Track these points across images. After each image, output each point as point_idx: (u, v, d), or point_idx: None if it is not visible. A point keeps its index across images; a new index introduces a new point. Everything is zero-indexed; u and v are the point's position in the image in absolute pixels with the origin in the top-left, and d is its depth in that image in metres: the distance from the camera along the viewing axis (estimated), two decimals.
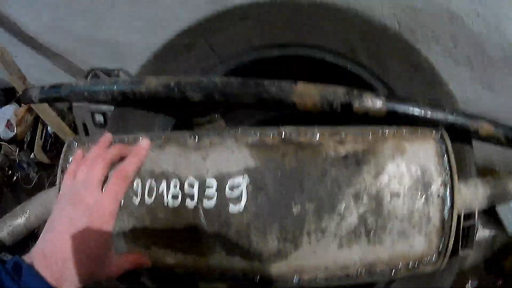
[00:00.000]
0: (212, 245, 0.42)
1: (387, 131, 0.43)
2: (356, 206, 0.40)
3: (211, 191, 0.41)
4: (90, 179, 0.39)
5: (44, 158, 1.04)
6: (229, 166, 0.41)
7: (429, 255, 0.43)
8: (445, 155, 0.43)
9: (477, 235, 0.99)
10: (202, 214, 0.41)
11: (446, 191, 0.42)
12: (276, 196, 0.40)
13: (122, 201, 0.41)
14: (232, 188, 0.41)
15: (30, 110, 1.03)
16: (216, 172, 0.41)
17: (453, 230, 0.42)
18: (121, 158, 0.42)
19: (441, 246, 0.42)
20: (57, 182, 0.48)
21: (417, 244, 0.42)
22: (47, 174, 1.22)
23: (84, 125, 0.80)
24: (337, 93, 0.45)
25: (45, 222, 0.40)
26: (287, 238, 0.40)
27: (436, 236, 0.43)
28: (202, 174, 0.42)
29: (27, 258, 0.35)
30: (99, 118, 0.79)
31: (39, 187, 1.26)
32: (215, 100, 0.46)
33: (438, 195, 0.42)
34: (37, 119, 1.07)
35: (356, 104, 0.45)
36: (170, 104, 0.51)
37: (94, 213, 0.37)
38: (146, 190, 0.43)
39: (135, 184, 0.44)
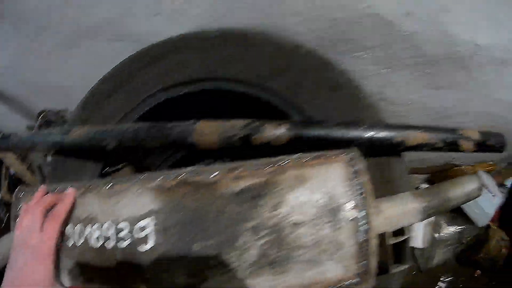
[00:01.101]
0: (129, 282, 0.51)
1: (286, 161, 0.49)
2: (256, 239, 0.47)
3: (124, 233, 0.50)
4: (32, 224, 0.52)
5: (10, 199, 1.17)
6: (137, 210, 0.49)
7: (349, 278, 0.47)
8: (357, 177, 0.49)
9: (442, 232, 1.02)
10: (118, 254, 0.50)
11: (360, 214, 0.47)
12: (180, 235, 0.48)
13: (59, 239, 0.53)
14: (140, 230, 0.49)
15: None
16: (127, 216, 0.50)
17: (373, 251, 0.46)
18: (54, 205, 0.54)
19: (362, 269, 0.48)
20: (12, 229, 0.59)
21: (331, 270, 0.47)
22: None
23: (39, 168, 0.93)
24: (235, 128, 0.52)
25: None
26: (193, 273, 0.48)
27: (353, 260, 0.47)
28: (116, 218, 0.50)
29: None
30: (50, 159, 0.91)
31: (8, 227, 1.38)
32: (126, 146, 0.55)
33: (350, 219, 0.47)
34: (0, 161, 1.21)
35: (255, 136, 0.52)
36: (94, 152, 0.60)
37: (36, 251, 0.51)
38: (76, 234, 0.53)
39: (69, 229, 0.54)
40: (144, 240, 0.49)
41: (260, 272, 0.47)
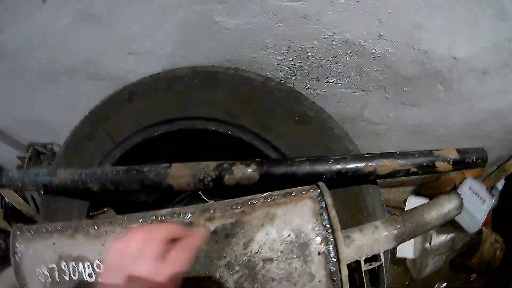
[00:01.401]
0: None
1: (256, 200, 0.54)
2: (231, 274, 0.52)
3: None
4: (144, 249, 0.40)
5: (7, 226, 1.25)
6: None
7: None
8: (324, 213, 0.53)
9: (433, 242, 1.05)
10: None
11: (329, 247, 0.52)
12: None
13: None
14: None
15: None
16: None
17: (345, 282, 0.52)
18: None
19: None
20: (12, 265, 0.65)
21: None
22: None
23: (33, 198, 0.99)
24: (207, 170, 0.56)
25: None
26: None
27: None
28: (104, 257, 0.56)
29: None
30: None
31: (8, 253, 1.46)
32: (108, 189, 0.60)
33: (319, 253, 0.52)
34: None
35: (226, 177, 0.56)
36: (79, 193, 0.65)
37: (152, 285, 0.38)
38: (71, 270, 0.59)
39: (63, 266, 0.60)
40: None
41: None
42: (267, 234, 0.52)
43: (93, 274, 0.57)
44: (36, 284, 0.64)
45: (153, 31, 0.64)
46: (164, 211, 0.55)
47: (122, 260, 0.40)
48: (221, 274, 0.52)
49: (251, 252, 0.51)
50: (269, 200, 0.53)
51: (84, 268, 0.57)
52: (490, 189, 1.12)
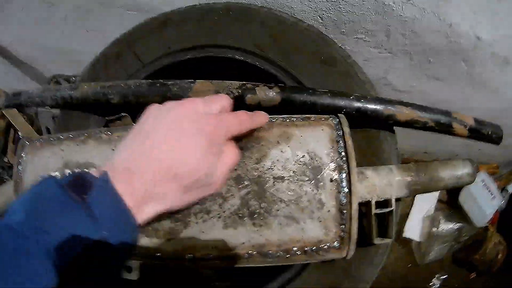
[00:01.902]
0: None
1: (275, 119, 0.55)
2: (238, 189, 0.52)
3: None
4: (205, 107, 0.41)
5: None
6: None
7: (328, 241, 0.52)
8: (341, 141, 0.54)
9: (440, 227, 1.05)
10: None
11: (341, 176, 0.52)
12: None
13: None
14: None
15: (2, 116, 1.29)
16: None
17: (354, 216, 0.51)
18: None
19: (342, 233, 0.53)
20: (13, 176, 0.66)
21: (310, 228, 0.52)
22: None
23: (48, 129, 1.02)
24: (230, 88, 0.58)
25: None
26: (177, 217, 0.54)
27: (333, 222, 0.52)
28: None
29: (95, 173, 0.35)
30: None
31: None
32: (129, 101, 0.62)
33: (331, 180, 0.53)
34: (9, 124, 1.33)
35: (248, 96, 0.58)
36: (99, 106, 0.68)
37: (214, 121, 0.39)
38: None
39: (67, 173, 0.61)
40: None
41: (241, 221, 0.52)
42: (281, 151, 0.53)
43: None
44: None
45: None
46: None
47: (184, 111, 0.39)
48: (228, 187, 0.53)
49: (263, 168, 0.52)
50: (288, 120, 0.54)
51: None
52: (501, 190, 1.11)
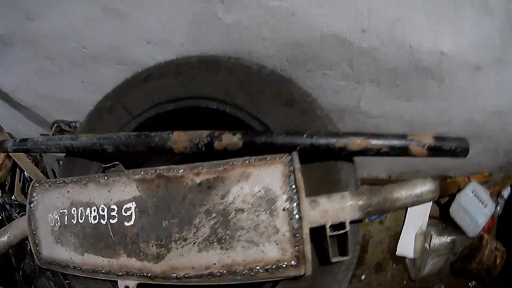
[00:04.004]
0: (118, 250, 0.90)
1: (236, 161, 0.86)
2: (208, 220, 0.84)
3: (114, 213, 0.90)
4: None
5: (24, 199, 1.70)
6: (124, 196, 0.89)
7: (286, 260, 0.82)
8: (292, 175, 0.84)
9: (433, 242, 1.31)
10: (110, 228, 0.90)
11: (292, 205, 0.82)
12: (153, 215, 0.86)
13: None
14: (126, 211, 0.89)
15: (9, 156, 1.71)
16: (116, 200, 0.90)
17: (306, 239, 0.80)
18: None
19: (297, 253, 0.82)
20: (27, 213, 1.04)
21: (268, 250, 0.82)
22: None
23: (53, 171, 1.40)
24: (201, 136, 0.90)
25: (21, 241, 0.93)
26: (161, 244, 0.86)
27: (289, 244, 0.82)
28: (108, 202, 0.91)
29: None
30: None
31: None
32: (121, 150, 0.96)
33: (284, 209, 0.82)
34: (15, 164, 1.74)
35: (216, 143, 0.89)
36: (97, 154, 1.03)
37: None
38: (79, 214, 0.95)
39: (73, 211, 0.96)
40: (129, 218, 0.88)
41: (211, 246, 0.83)
42: (241, 188, 0.83)
43: (97, 217, 0.93)
44: (46, 227, 1.02)
45: (167, 24, 1.02)
46: (162, 166, 0.90)
47: None
48: (200, 219, 0.84)
49: (226, 202, 0.83)
50: (247, 162, 0.85)
51: (90, 212, 0.94)
52: (496, 196, 1.31)
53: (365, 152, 0.87)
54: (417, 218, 1.46)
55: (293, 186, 0.82)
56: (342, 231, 0.83)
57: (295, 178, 0.82)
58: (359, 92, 1.08)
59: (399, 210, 1.02)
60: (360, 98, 1.08)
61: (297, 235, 0.80)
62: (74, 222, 0.96)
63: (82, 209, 0.95)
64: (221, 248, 0.83)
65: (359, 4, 0.92)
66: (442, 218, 1.44)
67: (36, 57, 1.27)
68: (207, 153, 0.92)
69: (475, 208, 1.31)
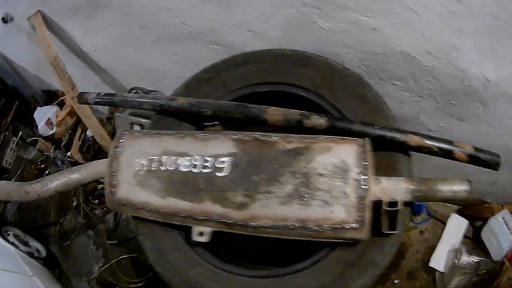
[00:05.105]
0: (203, 196, 1.19)
1: (321, 137, 1.18)
2: (293, 179, 1.14)
3: (208, 164, 1.21)
4: None
5: (79, 158, 2.00)
6: (220, 151, 1.20)
7: (350, 222, 1.11)
8: (363, 155, 1.16)
9: (461, 260, 1.63)
10: (200, 176, 1.21)
11: (362, 177, 1.13)
12: (245, 169, 1.17)
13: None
14: (220, 163, 1.20)
15: (71, 114, 2.00)
16: (212, 153, 1.21)
17: (368, 206, 1.10)
18: None
19: (359, 217, 1.12)
20: (109, 155, 1.34)
21: (337, 211, 1.11)
22: None
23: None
24: (293, 114, 1.23)
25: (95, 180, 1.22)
26: (248, 194, 1.15)
27: (354, 208, 1.11)
28: (204, 153, 1.22)
29: None
30: (137, 128, 1.68)
31: None
32: (218, 115, 1.29)
33: (354, 179, 1.13)
34: (76, 123, 2.04)
35: (305, 121, 1.22)
36: (191, 115, 1.35)
37: None
38: (169, 162, 1.25)
39: (163, 158, 1.27)
40: (221, 169, 1.19)
41: (291, 201, 1.13)
42: (323, 158, 1.14)
43: (189, 165, 1.23)
44: (129, 170, 1.30)
45: (268, 19, 1.36)
46: (258, 132, 1.22)
47: None
48: (286, 177, 1.15)
49: (310, 167, 1.14)
50: (330, 139, 1.17)
51: (183, 161, 1.24)
52: None
53: (419, 149, 1.19)
54: (453, 235, 1.80)
55: (364, 164, 1.13)
56: (396, 209, 1.14)
57: (366, 158, 1.14)
58: (420, 105, 1.42)
59: (438, 202, 1.32)
60: (420, 111, 1.42)
61: (361, 202, 1.10)
62: (163, 169, 1.25)
63: (174, 158, 1.25)
64: (300, 204, 1.13)
65: (425, 30, 1.26)
66: (474, 239, 1.76)
67: (130, 24, 1.60)
68: (294, 129, 1.24)
69: (502, 233, 1.62)
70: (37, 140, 2.62)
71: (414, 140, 1.19)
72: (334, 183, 1.13)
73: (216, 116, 1.30)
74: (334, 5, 1.26)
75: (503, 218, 1.65)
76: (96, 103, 1.50)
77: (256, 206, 1.16)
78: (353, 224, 1.11)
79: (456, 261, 1.67)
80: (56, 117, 2.38)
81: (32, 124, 2.70)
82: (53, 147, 2.39)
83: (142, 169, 1.30)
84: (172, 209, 1.24)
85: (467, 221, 1.90)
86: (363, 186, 1.11)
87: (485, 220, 1.77)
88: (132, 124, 1.71)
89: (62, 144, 2.20)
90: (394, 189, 1.15)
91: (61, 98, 2.46)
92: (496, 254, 1.65)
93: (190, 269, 1.29)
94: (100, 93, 1.49)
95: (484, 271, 1.63)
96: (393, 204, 1.14)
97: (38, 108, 2.64)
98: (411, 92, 1.41)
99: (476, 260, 1.65)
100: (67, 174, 1.40)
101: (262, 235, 1.18)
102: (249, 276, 1.27)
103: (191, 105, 1.33)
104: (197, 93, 1.40)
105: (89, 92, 1.52)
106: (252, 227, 1.16)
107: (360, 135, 1.19)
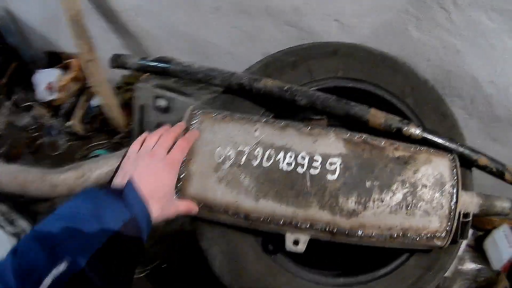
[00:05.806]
0: (311, 201, 1.08)
1: (423, 148, 1.19)
2: (402, 188, 1.12)
3: (317, 163, 1.09)
4: (161, 141, 1.04)
5: (80, 129, 1.59)
6: (330, 150, 1.10)
7: (440, 231, 1.14)
8: (455, 169, 1.21)
9: (464, 266, 1.88)
10: (308, 178, 1.09)
11: (454, 190, 1.17)
12: (357, 174, 1.10)
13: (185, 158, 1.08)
14: (330, 164, 1.10)
15: (76, 79, 1.54)
16: (321, 152, 1.10)
17: (456, 218, 1.15)
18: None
19: (448, 228, 1.16)
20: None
21: (433, 221, 1.14)
22: (80, 145, 1.84)
23: (142, 107, 1.38)
24: (394, 120, 1.20)
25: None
26: (360, 202, 1.09)
27: (445, 219, 1.15)
28: (312, 151, 1.10)
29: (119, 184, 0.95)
30: (161, 103, 1.39)
31: (66, 156, 1.91)
32: (314, 107, 1.17)
33: (449, 192, 1.17)
34: (82, 90, 1.58)
35: (404, 129, 1.21)
36: (278, 102, 1.20)
37: (167, 160, 1.01)
38: (266, 156, 1.10)
39: (256, 151, 1.10)
40: (333, 171, 1.09)
41: (399, 210, 1.11)
42: (426, 169, 1.15)
43: (293, 163, 1.10)
44: (207, 162, 1.11)
45: (362, 15, 1.31)
46: (366, 134, 1.15)
47: (148, 147, 1.05)
48: (397, 186, 1.12)
49: (417, 177, 1.14)
50: (430, 151, 1.19)
51: (285, 157, 1.10)
52: None
53: (483, 168, 1.31)
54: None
55: (455, 178, 1.19)
56: (468, 219, 1.23)
57: (457, 172, 1.19)
58: (467, 122, 1.55)
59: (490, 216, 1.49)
60: (465, 127, 1.55)
61: (451, 213, 1.16)
62: (255, 164, 1.10)
63: (273, 152, 1.11)
64: (406, 213, 1.12)
65: (498, 65, 1.40)
66: (475, 248, 1.99)
67: None
68: (387, 133, 1.21)
69: (502, 244, 1.87)
70: (31, 106, 2.27)
71: (483, 160, 1.29)
72: (434, 195, 1.15)
73: (311, 107, 1.19)
74: (433, 20, 1.27)
75: (503, 231, 1.93)
76: (140, 68, 1.21)
77: (366, 215, 1.11)
78: (443, 234, 1.15)
79: (460, 267, 1.88)
80: (59, 81, 2.02)
81: (28, 89, 2.37)
82: (50, 114, 1.93)
83: (227, 162, 1.11)
84: (268, 214, 1.10)
85: (472, 230, 2.10)
86: (454, 199, 1.16)
87: (486, 231, 2.02)
88: (156, 97, 1.41)
89: (62, 112, 1.73)
90: (470, 202, 1.23)
91: (66, 61, 2.13)
92: (496, 263, 1.91)
93: (272, 279, 1.16)
94: (146, 57, 1.21)
95: (483, 279, 1.88)
96: (465, 215, 1.21)
97: (39, 70, 2.31)
98: (465, 110, 1.53)
99: (477, 267, 1.89)
100: (114, 160, 1.11)
101: (364, 244, 1.13)
102: (335, 285, 1.21)
103: (281, 89, 1.18)
104: (278, 75, 1.26)
105: (126, 54, 1.22)
106: (358, 237, 1.10)
107: (445, 150, 1.23)
